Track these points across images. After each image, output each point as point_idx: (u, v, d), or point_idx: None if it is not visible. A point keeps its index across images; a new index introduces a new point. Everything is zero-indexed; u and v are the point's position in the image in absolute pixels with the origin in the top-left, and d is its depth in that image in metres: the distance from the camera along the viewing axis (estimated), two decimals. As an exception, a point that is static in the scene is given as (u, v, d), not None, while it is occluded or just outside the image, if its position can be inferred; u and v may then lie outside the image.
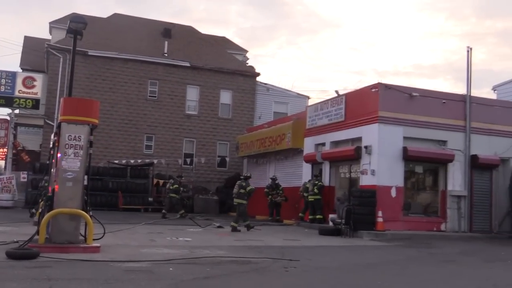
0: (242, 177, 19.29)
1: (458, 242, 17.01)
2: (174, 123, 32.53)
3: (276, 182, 23.87)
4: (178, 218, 22.38)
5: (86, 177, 10.89)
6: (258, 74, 35.04)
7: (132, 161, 30.27)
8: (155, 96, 32.37)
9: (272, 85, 35.78)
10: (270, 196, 24.18)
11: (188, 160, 32.11)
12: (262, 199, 25.06)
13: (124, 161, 30.29)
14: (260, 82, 35.22)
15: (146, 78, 32.20)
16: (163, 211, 23.64)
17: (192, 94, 33.15)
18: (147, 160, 30.72)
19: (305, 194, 21.40)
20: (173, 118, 32.49)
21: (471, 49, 20.32)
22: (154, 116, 32.18)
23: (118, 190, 28.15)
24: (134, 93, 31.98)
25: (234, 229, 17.58)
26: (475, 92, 20.59)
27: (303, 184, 21.89)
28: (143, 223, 19.22)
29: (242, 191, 18.39)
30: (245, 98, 34.21)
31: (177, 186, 23.93)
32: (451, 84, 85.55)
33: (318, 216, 20.98)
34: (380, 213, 17.59)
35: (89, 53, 31.09)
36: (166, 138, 32.31)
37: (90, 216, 10.65)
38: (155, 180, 29.43)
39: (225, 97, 33.89)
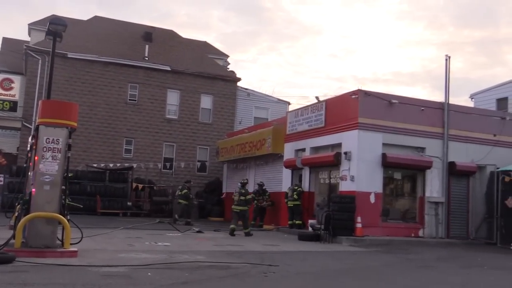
0: (240, 183, 19.87)
1: (435, 248, 17.19)
2: (154, 127, 32.39)
3: (264, 188, 23.82)
4: (182, 224, 22.14)
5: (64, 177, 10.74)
6: (239, 79, 35.10)
7: (111, 165, 30.01)
8: (135, 100, 32.21)
9: (253, 90, 35.84)
10: (256, 201, 24.18)
11: (168, 164, 31.95)
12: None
13: (102, 165, 30.02)
14: (241, 87, 35.26)
15: (126, 82, 32.03)
16: (176, 216, 23.28)
17: (173, 98, 33.06)
18: (126, 164, 30.49)
19: (286, 200, 21.44)
20: (153, 122, 32.36)
21: (449, 57, 20.65)
22: (133, 120, 32.00)
23: (96, 194, 27.85)
24: (114, 96, 31.76)
25: (248, 234, 18.50)
26: (453, 100, 20.97)
27: (289, 189, 21.91)
28: (122, 227, 19.06)
29: (242, 198, 19.12)
30: (226, 103, 34.22)
31: (186, 191, 23.53)
32: (429, 92, 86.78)
33: (297, 222, 21.06)
34: (359, 219, 17.69)
35: (69, 56, 30.78)
36: (146, 142, 32.15)
37: (68, 220, 10.52)
38: (134, 185, 29.21)
39: (206, 101, 33.85)
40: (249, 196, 19.35)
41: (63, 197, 10.80)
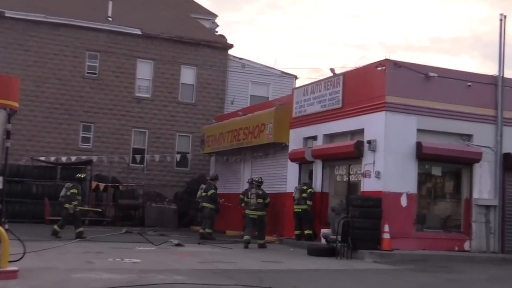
0: (255, 182, 20.91)
1: (486, 265, 17.20)
2: (120, 108, 32.36)
3: (258, 185, 23.64)
4: (210, 238, 22.11)
5: (1, 179, 10.70)
6: (231, 46, 35.02)
7: (63, 158, 29.98)
8: (95, 73, 32.14)
9: (249, 61, 35.79)
10: (243, 205, 24.19)
11: (138, 157, 31.91)
12: (233, 209, 25.02)
13: (53, 158, 29.99)
14: (234, 57, 35.16)
15: (83, 49, 31.93)
16: (205, 229, 23.05)
17: (144, 70, 33.00)
18: (83, 157, 30.48)
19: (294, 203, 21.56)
20: (118, 102, 32.33)
21: (505, 17, 20.52)
22: (93, 99, 31.95)
23: (44, 197, 27.85)
24: (67, 68, 31.64)
25: (262, 246, 19.66)
26: (509, 74, 20.75)
27: (295, 189, 21.93)
28: (77, 239, 18.99)
29: (260, 201, 20.11)
30: (214, 77, 34.15)
31: (213, 191, 23.31)
32: (478, 63, 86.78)
33: (307, 232, 21.06)
34: (386, 228, 17.69)
35: (7, 15, 30.60)
36: (109, 128, 32.13)
37: (6, 231, 10.48)
38: (93, 184, 29.21)
39: (188, 75, 33.80)
40: (268, 199, 20.46)
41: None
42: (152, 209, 29.68)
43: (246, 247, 19.50)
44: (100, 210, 24.94)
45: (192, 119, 33.51)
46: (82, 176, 22.04)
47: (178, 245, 18.91)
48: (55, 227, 20.23)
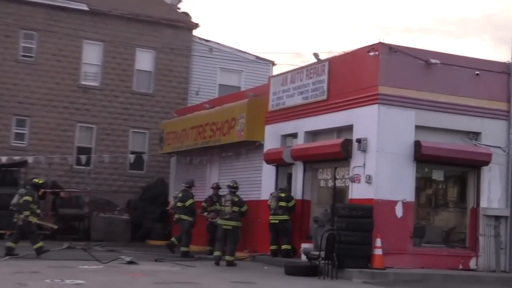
0: (230, 188, 21.00)
1: (495, 287, 17.34)
2: (62, 99, 32.22)
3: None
4: (189, 257, 22.16)
5: None
6: (196, 26, 35.07)
7: (-8, 158, 29.71)
8: (31, 57, 31.99)
9: (218, 44, 35.79)
10: (207, 214, 24.18)
11: (84, 158, 31.65)
12: (197, 220, 24.95)
13: (-21, 159, 29.68)
14: (200, 39, 35.16)
15: (17, 28, 31.69)
16: (173, 239, 23.38)
17: (92, 54, 32.93)
18: (16, 158, 30.25)
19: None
20: (60, 92, 32.17)
21: (519, -6, 20.75)
22: (29, 87, 31.77)
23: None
24: (-3, 50, 31.40)
25: (231, 264, 19.86)
26: (524, 60, 20.91)
27: (271, 197, 21.93)
28: (7, 257, 18.84)
29: (236, 209, 20.29)
30: (175, 62, 34.15)
31: (192, 201, 23.18)
32: (489, 47, 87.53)
33: (284, 247, 21.12)
34: (378, 242, 17.74)
35: None
36: (49, 122, 31.95)
37: None
38: (29, 189, 28.89)
39: (144, 60, 33.80)
40: (245, 207, 20.79)
41: None
42: (100, 220, 29.50)
43: (217, 263, 19.75)
44: (56, 227, 24.80)
45: (149, 113, 33.42)
46: (40, 181, 21.56)
47: (130, 262, 18.82)
48: (9, 243, 19.96)
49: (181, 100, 33.88)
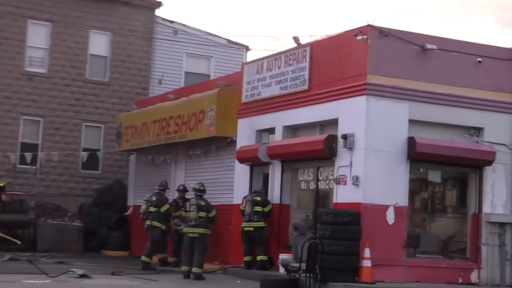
0: (195, 191, 21.07)
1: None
2: (3, 88, 32.10)
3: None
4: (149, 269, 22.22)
5: None
6: (159, 5, 35.02)
7: None
8: (-33, 39, 31.74)
9: (184, 25, 35.79)
10: (172, 221, 24.19)
11: (29, 155, 31.46)
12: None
13: None
14: (163, 19, 35.14)
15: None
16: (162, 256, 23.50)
17: (38, 36, 32.83)
18: None
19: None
20: (1, 80, 32.01)
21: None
22: (-36, 74, 31.60)
23: None
24: None
25: (199, 277, 19.91)
26: (532, 45, 21.00)
27: (245, 201, 21.93)
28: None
29: (203, 215, 20.40)
30: (135, 46, 34.11)
31: (168, 207, 23.46)
32: (494, 31, 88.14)
33: (260, 258, 21.15)
34: (367, 252, 17.79)
35: None
36: (-12, 115, 31.77)
37: None
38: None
39: (99, 43, 33.74)
40: (213, 213, 20.86)
41: None
42: (48, 228, 29.24)
43: (186, 277, 20.08)
44: (19, 242, 24.70)
45: (105, 104, 33.34)
46: (1, 184, 21.42)
47: (83, 276, 18.79)
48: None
49: (141, 89, 33.87)
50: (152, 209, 23.13)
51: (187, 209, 20.93)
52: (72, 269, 19.95)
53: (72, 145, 32.62)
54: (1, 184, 21.30)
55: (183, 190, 24.84)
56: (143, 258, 22.68)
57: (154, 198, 23.44)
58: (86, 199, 31.95)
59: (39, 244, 28.60)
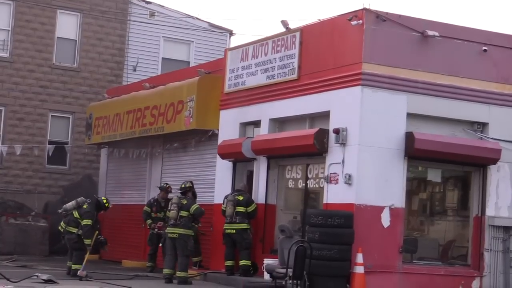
0: (180, 190, 21.28)
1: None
2: (-38, 73, 31.91)
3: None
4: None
5: None
6: (133, -17, 34.88)
7: None
8: None
9: (162, 6, 35.73)
10: (150, 222, 24.23)
11: (-11, 149, 31.38)
12: (135, 229, 24.90)
13: None
14: (139, 0, 34.95)
15: None
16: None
17: (1, 17, 32.61)
18: None
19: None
20: (-41, 64, 31.85)
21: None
22: None
23: None
24: None
25: (184, 281, 20.18)
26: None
27: (227, 201, 21.85)
28: None
29: (184, 214, 20.39)
30: (107, 29, 34.05)
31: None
32: (501, 16, 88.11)
33: (243, 262, 21.09)
34: (360, 258, 17.81)
35: None
36: None
37: None
38: None
39: (67, 26, 33.63)
40: (195, 207, 20.81)
41: None
42: (10, 228, 29.24)
43: (169, 281, 20.31)
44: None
45: (74, 92, 33.22)
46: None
47: (48, 281, 18.72)
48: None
49: (114, 77, 33.79)
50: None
51: (169, 208, 21.01)
52: (36, 274, 19.80)
53: (37, 137, 32.49)
54: None
55: (166, 189, 24.61)
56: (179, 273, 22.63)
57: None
58: (52, 196, 31.85)
59: (0, 246, 28.49)
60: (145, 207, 24.69)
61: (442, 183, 20.67)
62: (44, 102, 32.83)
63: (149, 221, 24.28)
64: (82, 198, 21.93)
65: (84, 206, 21.23)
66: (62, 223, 21.53)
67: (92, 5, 33.56)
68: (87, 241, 21.08)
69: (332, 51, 19.73)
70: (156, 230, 24.00)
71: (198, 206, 20.99)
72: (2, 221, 29.46)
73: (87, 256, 21.40)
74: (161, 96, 26.00)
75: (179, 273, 20.18)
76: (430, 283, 19.00)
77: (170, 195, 23.67)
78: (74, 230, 21.00)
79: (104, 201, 21.93)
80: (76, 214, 21.21)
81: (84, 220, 20.79)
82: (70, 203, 21.81)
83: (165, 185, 24.99)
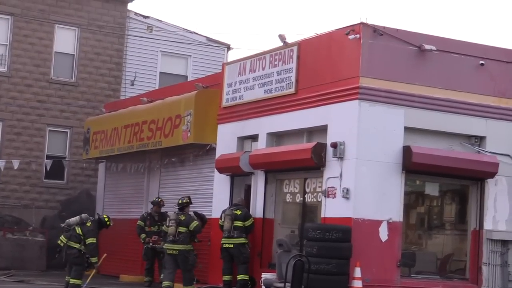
0: (178, 206, 21.50)
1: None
2: (-41, 88, 31.93)
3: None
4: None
5: None
6: (132, -2, 35.05)
7: None
8: None
9: (159, 21, 35.83)
10: (144, 237, 24.42)
11: (-13, 163, 31.49)
12: (133, 243, 24.99)
13: None
14: (136, 14, 35.15)
15: None
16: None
17: (-2, 31, 32.70)
18: None
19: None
20: (-46, 79, 31.88)
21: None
22: None
23: None
24: None
25: None
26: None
27: (224, 215, 21.94)
28: None
29: (183, 230, 20.63)
30: (105, 44, 34.13)
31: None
32: (498, 30, 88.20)
33: (241, 277, 21.16)
34: (358, 272, 17.85)
35: None
36: None
37: None
38: None
39: (65, 40, 33.72)
40: (195, 224, 21.05)
41: None
42: (8, 243, 29.25)
43: None
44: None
45: (72, 107, 33.31)
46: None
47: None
48: None
49: (111, 91, 33.88)
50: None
51: (167, 224, 21.16)
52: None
53: (35, 152, 32.57)
54: None
55: (158, 203, 24.91)
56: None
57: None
58: (49, 211, 31.88)
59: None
60: (139, 221, 24.81)
61: (440, 197, 20.75)
62: (41, 116, 32.91)
63: (143, 236, 24.39)
64: (86, 215, 21.66)
65: (88, 224, 21.07)
66: (62, 237, 21.28)
67: (90, 20, 33.66)
68: (93, 259, 21.06)
69: (330, 65, 19.84)
70: (150, 244, 24.11)
71: (198, 223, 21.18)
72: (-1, 236, 29.58)
73: (93, 273, 21.45)
74: (159, 110, 26.07)
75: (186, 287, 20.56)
76: (428, 297, 19.14)
77: (169, 212, 23.67)
78: (76, 246, 20.94)
79: (106, 219, 21.98)
80: (78, 230, 21.08)
81: (89, 239, 20.72)
82: (73, 219, 21.63)
83: (157, 199, 25.16)
